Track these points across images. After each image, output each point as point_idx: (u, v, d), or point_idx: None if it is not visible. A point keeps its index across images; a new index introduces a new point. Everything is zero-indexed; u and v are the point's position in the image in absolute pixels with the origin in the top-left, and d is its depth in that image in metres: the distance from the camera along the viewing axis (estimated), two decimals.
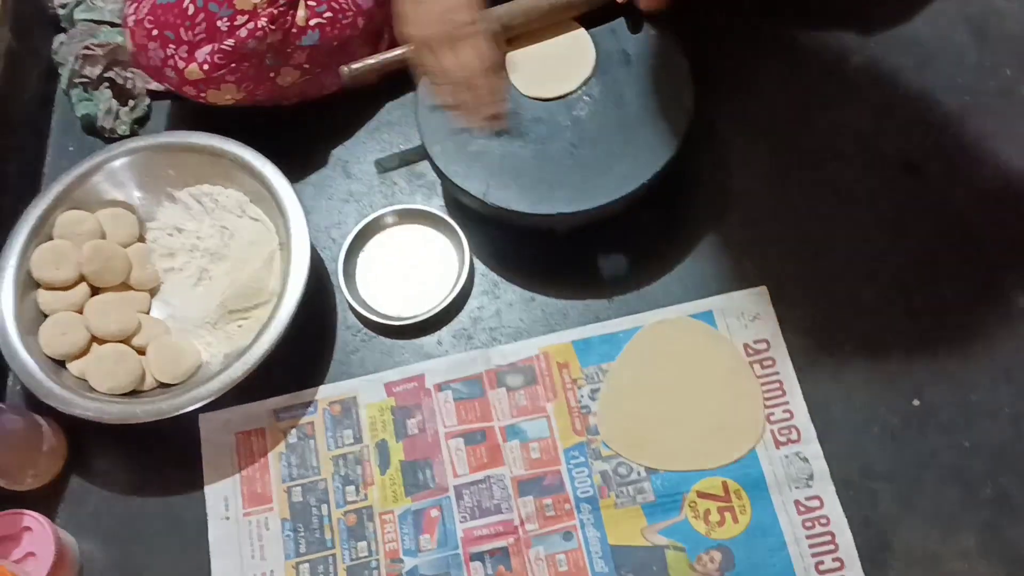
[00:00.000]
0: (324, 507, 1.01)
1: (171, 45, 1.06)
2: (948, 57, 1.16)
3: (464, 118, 1.00)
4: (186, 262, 1.11)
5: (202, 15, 1.04)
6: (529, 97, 1.06)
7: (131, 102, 1.22)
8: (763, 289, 1.05)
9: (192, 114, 1.19)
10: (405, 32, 0.98)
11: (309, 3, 1.09)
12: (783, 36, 1.20)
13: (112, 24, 1.23)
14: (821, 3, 1.21)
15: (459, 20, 0.95)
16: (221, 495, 1.02)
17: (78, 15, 1.24)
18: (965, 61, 1.16)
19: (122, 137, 1.20)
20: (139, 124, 1.22)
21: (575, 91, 1.06)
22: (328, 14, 1.09)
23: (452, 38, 0.95)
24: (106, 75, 1.21)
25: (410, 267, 1.11)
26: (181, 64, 1.06)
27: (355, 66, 1.08)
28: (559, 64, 1.08)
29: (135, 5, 1.07)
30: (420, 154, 1.15)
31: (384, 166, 1.17)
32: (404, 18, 0.97)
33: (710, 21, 1.19)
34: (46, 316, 1.05)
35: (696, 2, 1.17)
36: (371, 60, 1.09)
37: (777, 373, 1.01)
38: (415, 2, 0.96)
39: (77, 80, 1.21)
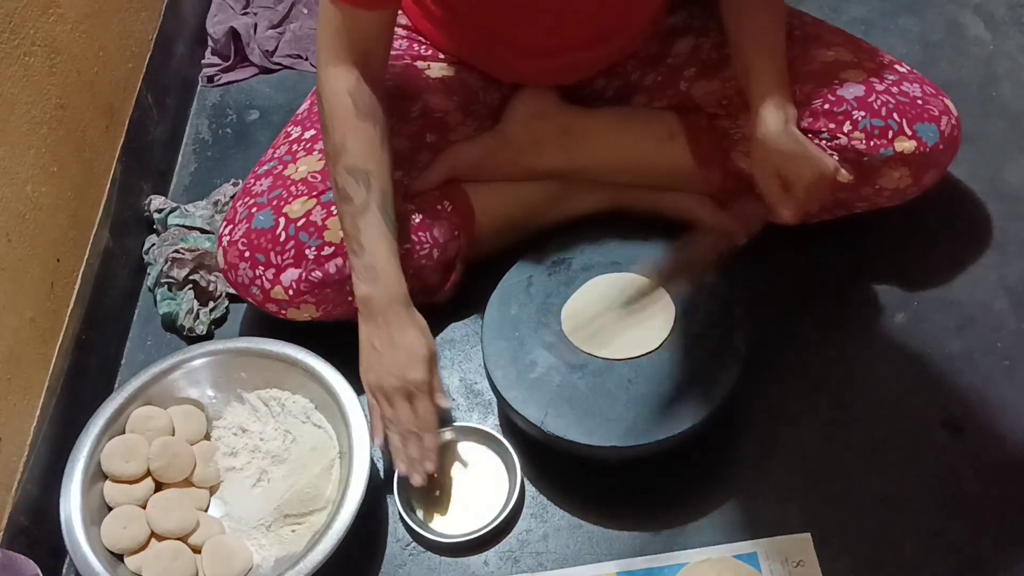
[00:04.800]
0: None
1: (260, 267, 1.12)
2: (988, 322, 1.21)
3: (401, 464, 1.07)
4: (247, 462, 1.14)
5: (292, 242, 1.11)
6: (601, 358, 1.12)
7: (211, 303, 1.28)
8: (807, 536, 1.07)
9: (266, 318, 1.24)
10: (365, 378, 1.07)
11: None
12: (832, 288, 1.26)
13: (202, 230, 1.31)
14: (867, 259, 1.28)
15: (413, 378, 1.04)
16: None
17: (172, 220, 1.32)
18: (1004, 327, 1.21)
19: (199, 336, 1.26)
20: (216, 325, 1.28)
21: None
22: (407, 245, 1.15)
23: (406, 392, 1.04)
24: (191, 277, 1.28)
25: (463, 484, 1.14)
26: (267, 285, 1.12)
27: None
28: (637, 329, 1.13)
29: (231, 227, 1.14)
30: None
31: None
32: (366, 365, 1.07)
33: (763, 272, 1.26)
34: (109, 508, 1.08)
35: (749, 255, 1.25)
36: None
37: None
38: (378, 352, 1.05)
39: (163, 280, 1.28)
